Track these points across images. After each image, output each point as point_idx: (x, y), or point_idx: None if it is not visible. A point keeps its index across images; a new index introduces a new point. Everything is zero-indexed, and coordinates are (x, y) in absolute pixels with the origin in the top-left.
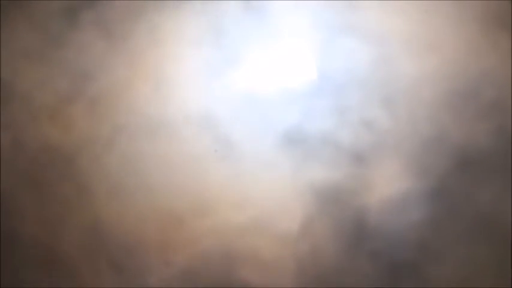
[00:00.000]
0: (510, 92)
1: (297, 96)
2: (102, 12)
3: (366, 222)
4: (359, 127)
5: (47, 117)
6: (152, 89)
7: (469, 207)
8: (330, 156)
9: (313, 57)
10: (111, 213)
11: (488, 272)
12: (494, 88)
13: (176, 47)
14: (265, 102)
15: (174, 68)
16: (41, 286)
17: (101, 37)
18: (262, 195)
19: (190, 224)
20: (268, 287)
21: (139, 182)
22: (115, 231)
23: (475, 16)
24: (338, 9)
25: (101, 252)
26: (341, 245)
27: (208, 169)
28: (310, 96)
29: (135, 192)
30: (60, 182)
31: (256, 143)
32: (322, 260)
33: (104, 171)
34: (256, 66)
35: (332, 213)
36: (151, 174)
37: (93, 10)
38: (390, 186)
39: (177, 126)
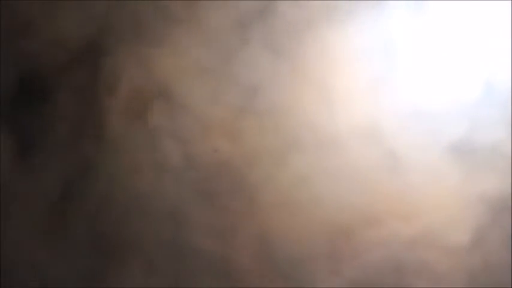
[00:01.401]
0: None
1: (466, 107)
2: (271, 26)
3: None
4: None
5: (218, 131)
6: (320, 102)
7: None
8: (500, 166)
9: (482, 67)
10: (281, 224)
11: None
12: None
13: (344, 59)
14: (432, 113)
15: (342, 80)
16: None
17: (270, 51)
18: (431, 207)
19: (359, 235)
20: None
21: (308, 194)
22: (284, 242)
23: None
24: None
25: (271, 262)
26: None
27: (376, 181)
28: (478, 107)
29: (304, 204)
30: (231, 195)
31: (424, 155)
32: (495, 272)
33: (274, 183)
34: (424, 76)
35: (504, 223)
36: (320, 187)
37: (262, 24)
38: None
39: (345, 139)
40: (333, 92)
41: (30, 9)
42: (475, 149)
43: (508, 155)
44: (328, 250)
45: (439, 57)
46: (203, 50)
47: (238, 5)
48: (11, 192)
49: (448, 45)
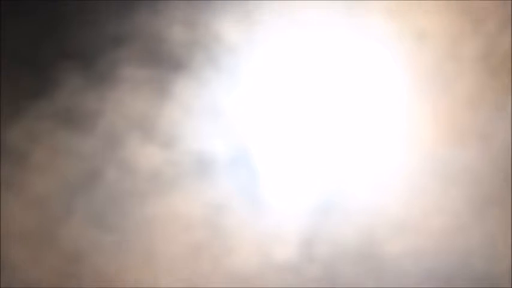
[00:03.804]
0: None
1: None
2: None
3: None
4: None
5: None
6: (144, 267)
7: None
8: None
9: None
10: None
11: None
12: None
13: (167, 225)
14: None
15: (165, 246)
16: None
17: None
18: None
19: None
20: None
21: None
22: None
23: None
24: None
25: None
26: None
27: None
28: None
29: None
30: None
31: None
32: None
33: None
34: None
35: None
36: None
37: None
38: None
39: None
40: (156, 257)
41: None
42: None
43: None
44: None
45: (254, 221)
46: (28, 213)
47: (65, 171)
48: None
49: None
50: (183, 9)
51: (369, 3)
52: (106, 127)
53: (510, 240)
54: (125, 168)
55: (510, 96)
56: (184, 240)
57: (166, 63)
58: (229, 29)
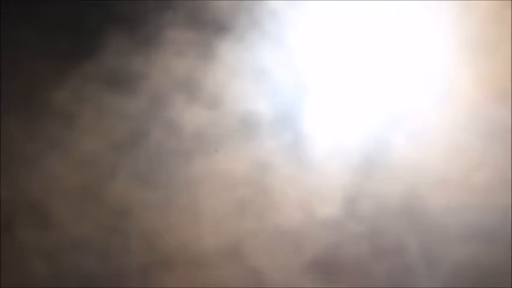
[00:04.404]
0: None
1: (327, 223)
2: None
3: None
4: None
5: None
6: (189, 224)
7: None
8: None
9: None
10: None
11: None
12: None
13: (210, 183)
14: (294, 231)
15: (209, 203)
16: None
17: (139, 178)
18: None
19: None
20: None
21: None
22: None
23: None
24: None
25: None
26: None
27: None
28: (340, 222)
29: None
30: None
31: (287, 273)
32: None
33: None
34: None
35: None
36: None
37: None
38: None
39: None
40: (201, 215)
41: None
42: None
43: None
44: None
45: (298, 179)
46: (75, 172)
47: (111, 131)
48: None
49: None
50: None
51: None
52: (151, 89)
53: None
54: (170, 128)
55: None
56: (228, 197)
57: (210, 26)
58: None
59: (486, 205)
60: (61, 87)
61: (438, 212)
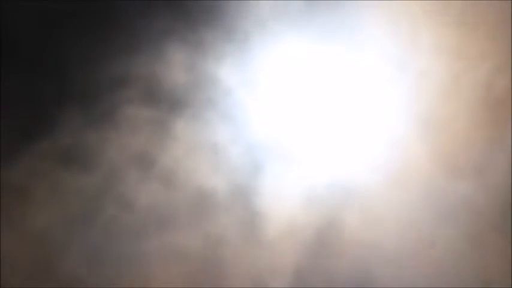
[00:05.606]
0: None
1: None
2: None
3: None
4: None
5: None
6: None
7: None
8: None
9: None
10: None
11: None
12: None
13: None
14: None
15: None
16: None
17: None
18: None
19: None
20: None
21: None
22: None
23: None
24: None
25: None
26: None
27: None
28: None
29: None
30: None
31: None
32: None
33: None
34: None
35: None
36: None
37: None
38: None
39: None
40: None
41: None
42: None
43: None
44: None
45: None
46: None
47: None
48: None
49: None
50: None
51: (367, 43)
52: (106, 165)
53: (510, 275)
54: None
55: (509, 130)
56: (181, 271)
57: (166, 104)
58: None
59: (437, 283)
60: (14, 164)
61: None
